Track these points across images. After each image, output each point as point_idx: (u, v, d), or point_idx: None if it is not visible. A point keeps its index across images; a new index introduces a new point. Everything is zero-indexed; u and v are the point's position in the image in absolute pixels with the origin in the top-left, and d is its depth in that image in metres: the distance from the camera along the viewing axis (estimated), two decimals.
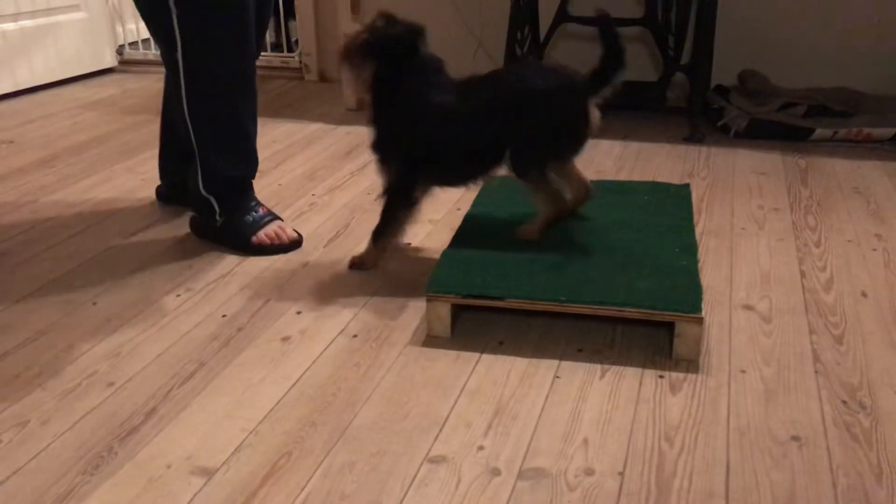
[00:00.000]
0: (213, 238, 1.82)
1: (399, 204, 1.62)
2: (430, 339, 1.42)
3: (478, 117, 1.54)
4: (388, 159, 1.60)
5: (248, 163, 1.81)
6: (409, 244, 1.79)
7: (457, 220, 1.74)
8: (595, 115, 1.55)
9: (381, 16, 1.55)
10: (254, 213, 1.80)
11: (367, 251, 1.68)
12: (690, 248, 1.54)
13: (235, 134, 1.76)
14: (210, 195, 1.77)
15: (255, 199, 1.83)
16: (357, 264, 1.69)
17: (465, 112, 1.54)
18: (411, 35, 1.54)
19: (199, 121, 1.72)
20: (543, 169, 1.55)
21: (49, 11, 3.25)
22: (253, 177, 1.84)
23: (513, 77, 1.59)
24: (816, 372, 1.32)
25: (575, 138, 1.56)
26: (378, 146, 1.60)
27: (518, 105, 1.52)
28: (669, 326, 1.37)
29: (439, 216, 1.96)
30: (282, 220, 1.83)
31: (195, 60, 1.66)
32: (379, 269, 1.69)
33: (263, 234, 1.78)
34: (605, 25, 1.52)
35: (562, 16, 2.68)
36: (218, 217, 1.79)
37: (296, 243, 1.80)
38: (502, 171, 1.58)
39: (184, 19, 1.62)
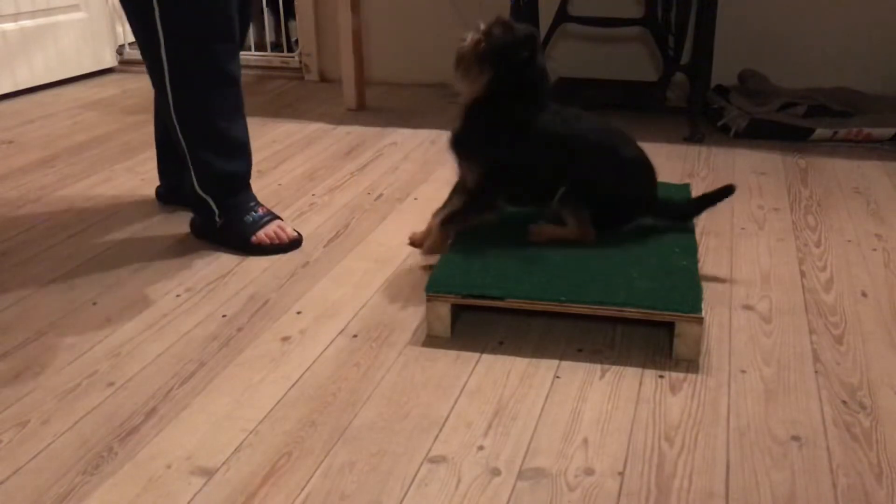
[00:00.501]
0: (213, 239, 1.81)
1: (482, 206, 1.59)
2: (430, 339, 1.42)
3: (556, 150, 1.55)
4: (475, 160, 1.58)
5: (242, 158, 1.81)
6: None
7: None
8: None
9: (497, 22, 1.53)
10: (253, 213, 1.80)
11: (434, 237, 1.62)
12: (690, 248, 1.55)
13: (225, 130, 1.75)
14: (207, 195, 1.77)
15: (254, 198, 1.83)
16: (417, 244, 1.66)
17: (564, 138, 1.56)
18: (527, 44, 1.52)
19: (187, 119, 1.72)
20: (583, 210, 1.56)
21: (49, 11, 3.25)
22: (248, 174, 1.84)
23: (619, 138, 1.61)
24: (816, 372, 1.32)
25: (622, 217, 1.61)
26: (464, 146, 1.58)
27: (607, 161, 1.56)
28: (669, 326, 1.37)
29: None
30: (281, 220, 1.83)
31: (179, 57, 1.66)
32: (379, 269, 1.69)
33: (263, 234, 1.77)
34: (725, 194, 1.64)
35: (562, 16, 2.68)
36: (217, 218, 1.79)
37: (296, 242, 1.80)
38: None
39: (166, 16, 1.62)
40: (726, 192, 1.62)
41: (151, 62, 1.69)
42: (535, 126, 1.55)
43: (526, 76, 1.53)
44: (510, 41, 1.51)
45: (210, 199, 1.78)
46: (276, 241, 1.78)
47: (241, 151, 1.80)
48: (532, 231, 1.59)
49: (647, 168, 1.61)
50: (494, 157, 1.56)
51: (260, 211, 1.81)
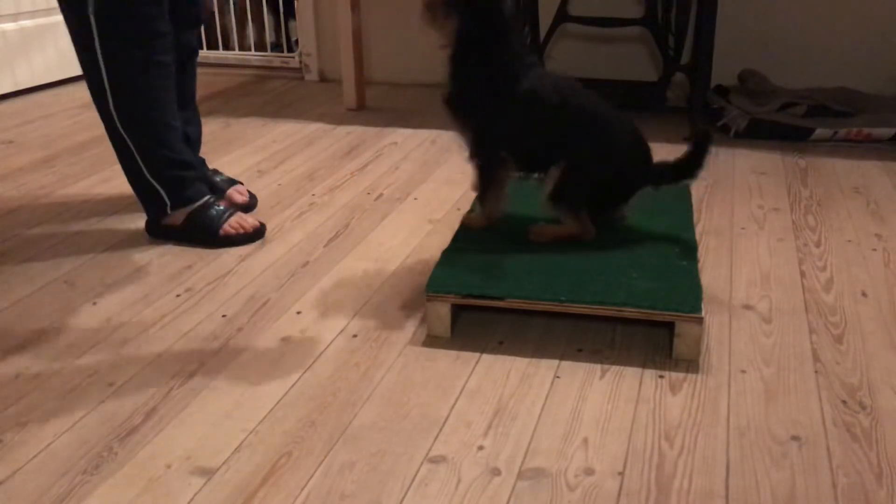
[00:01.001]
0: (173, 235, 1.83)
1: (489, 161, 1.56)
2: (430, 339, 1.42)
3: (549, 117, 1.53)
4: (466, 117, 1.55)
5: (183, 148, 1.83)
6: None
7: (457, 220, 1.74)
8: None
9: None
10: (216, 207, 1.83)
11: (476, 215, 1.63)
12: (690, 248, 1.54)
13: (168, 119, 1.77)
14: (158, 184, 1.79)
15: (208, 191, 1.86)
16: (466, 225, 1.64)
17: (540, 104, 1.52)
18: None
19: (128, 111, 1.73)
20: (580, 208, 1.55)
21: (49, 11, 3.25)
22: (198, 164, 1.87)
23: (603, 107, 1.58)
24: (816, 372, 1.32)
25: (619, 197, 1.59)
26: (454, 103, 1.55)
27: (594, 133, 1.53)
28: (669, 326, 1.37)
29: (439, 216, 1.96)
30: (239, 211, 1.87)
31: (113, 49, 1.67)
32: (379, 269, 1.69)
33: (228, 226, 1.81)
34: (704, 141, 1.56)
35: (562, 16, 2.68)
36: (169, 210, 1.81)
37: (259, 231, 1.84)
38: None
39: (100, 10, 1.63)
40: (704, 139, 1.55)
41: (86, 56, 1.69)
42: (524, 86, 1.51)
43: (492, 21, 1.49)
44: None
45: (162, 189, 1.79)
46: (242, 231, 1.81)
47: (181, 141, 1.83)
48: (532, 231, 1.58)
49: (642, 142, 1.58)
50: (484, 114, 1.54)
51: (221, 204, 1.85)
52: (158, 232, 1.84)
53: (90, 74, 1.71)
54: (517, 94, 1.52)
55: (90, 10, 1.63)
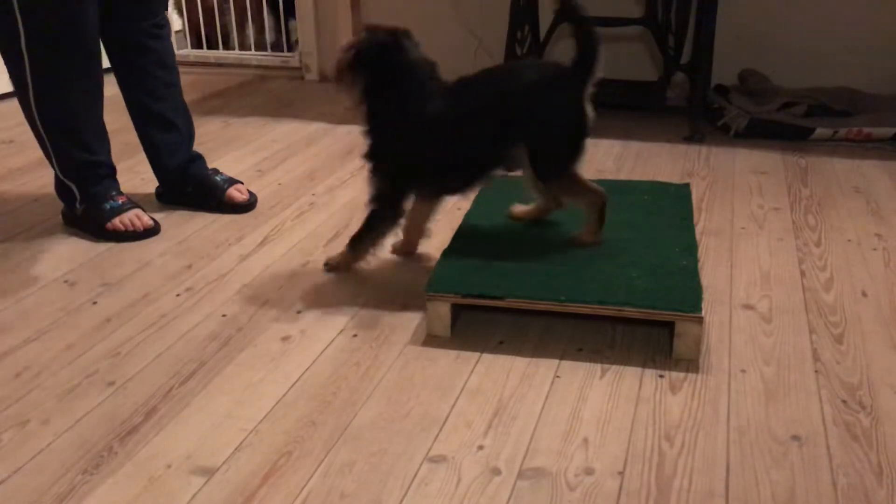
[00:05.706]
0: (76, 225, 1.88)
1: (384, 216, 1.60)
2: (430, 339, 1.42)
3: (475, 121, 1.52)
4: (379, 169, 1.57)
5: (103, 149, 1.87)
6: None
7: (457, 220, 1.74)
8: (590, 109, 1.55)
9: (365, 28, 1.57)
10: (112, 202, 1.85)
11: (343, 256, 1.66)
12: (690, 248, 1.54)
13: (86, 122, 1.81)
14: (69, 180, 1.84)
15: (116, 187, 1.89)
16: (332, 267, 1.68)
17: (459, 118, 1.52)
18: (392, 42, 1.53)
19: (48, 112, 1.76)
20: (570, 170, 1.53)
21: None
22: (111, 164, 1.90)
23: (509, 75, 1.58)
24: (816, 371, 1.32)
25: (583, 133, 1.54)
26: (370, 156, 1.57)
27: (526, 106, 1.51)
28: (669, 326, 1.37)
29: (439, 216, 1.95)
30: (141, 209, 1.89)
31: (39, 51, 1.69)
32: (379, 269, 1.69)
33: (119, 221, 1.84)
34: (574, 15, 1.57)
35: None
36: (78, 204, 1.85)
37: (151, 230, 1.86)
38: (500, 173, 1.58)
39: (26, 9, 1.65)
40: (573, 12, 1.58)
41: (11, 56, 1.71)
42: (427, 110, 1.51)
43: (401, 73, 1.51)
44: (373, 43, 1.53)
45: (73, 185, 1.84)
46: (131, 229, 1.84)
47: (102, 142, 1.87)
48: (577, 240, 1.56)
49: (564, 84, 1.57)
50: (399, 161, 1.56)
51: (120, 200, 1.87)
52: (73, 221, 1.89)
53: (14, 70, 1.73)
54: (425, 119, 1.52)
55: (15, 2, 1.64)
